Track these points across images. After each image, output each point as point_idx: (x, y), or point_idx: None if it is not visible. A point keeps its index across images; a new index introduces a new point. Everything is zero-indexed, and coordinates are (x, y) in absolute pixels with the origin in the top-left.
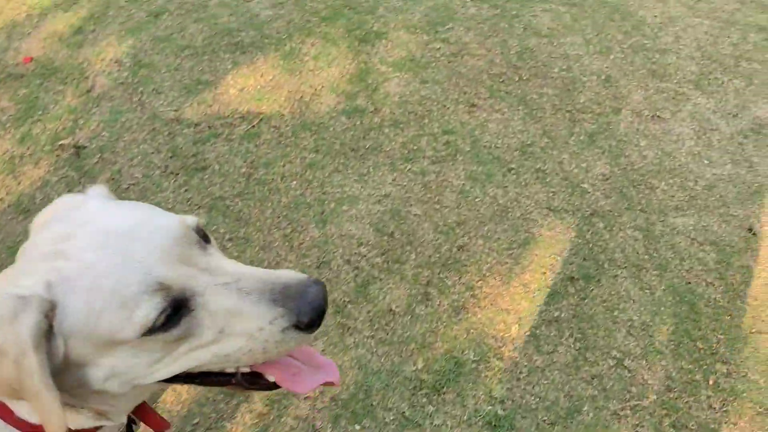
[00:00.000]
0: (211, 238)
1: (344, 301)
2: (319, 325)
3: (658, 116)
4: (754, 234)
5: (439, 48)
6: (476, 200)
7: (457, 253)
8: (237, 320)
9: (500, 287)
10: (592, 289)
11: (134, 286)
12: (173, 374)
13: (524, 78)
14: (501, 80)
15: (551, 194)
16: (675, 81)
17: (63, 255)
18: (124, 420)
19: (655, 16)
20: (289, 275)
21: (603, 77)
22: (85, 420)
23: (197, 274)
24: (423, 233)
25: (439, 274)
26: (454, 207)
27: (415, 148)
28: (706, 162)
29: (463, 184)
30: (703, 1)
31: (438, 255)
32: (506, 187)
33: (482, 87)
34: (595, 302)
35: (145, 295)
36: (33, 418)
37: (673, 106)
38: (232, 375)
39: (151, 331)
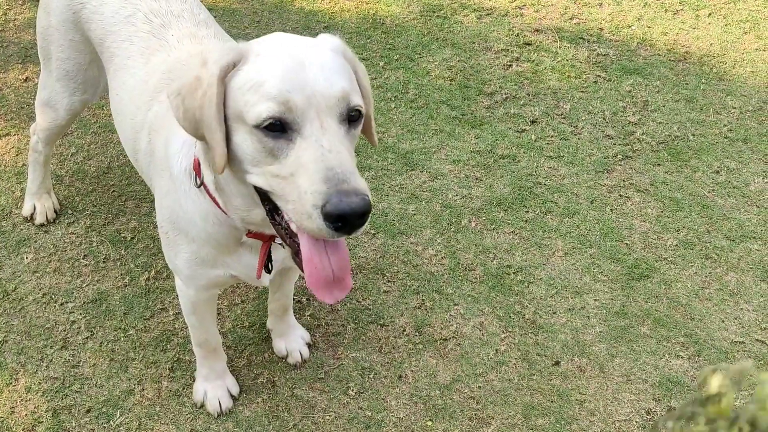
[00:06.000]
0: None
1: None
2: (344, 230)
3: None
4: None
5: None
6: None
7: None
8: (302, 172)
9: None
10: None
11: (274, 89)
12: (257, 184)
13: None
14: None
15: None
16: None
17: (260, 52)
18: (239, 225)
19: None
20: (357, 181)
21: None
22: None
23: (318, 125)
24: None
25: None
26: None
27: None
28: None
29: None
30: None
31: None
32: None
33: None
34: None
35: (271, 101)
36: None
37: None
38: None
39: (257, 127)
